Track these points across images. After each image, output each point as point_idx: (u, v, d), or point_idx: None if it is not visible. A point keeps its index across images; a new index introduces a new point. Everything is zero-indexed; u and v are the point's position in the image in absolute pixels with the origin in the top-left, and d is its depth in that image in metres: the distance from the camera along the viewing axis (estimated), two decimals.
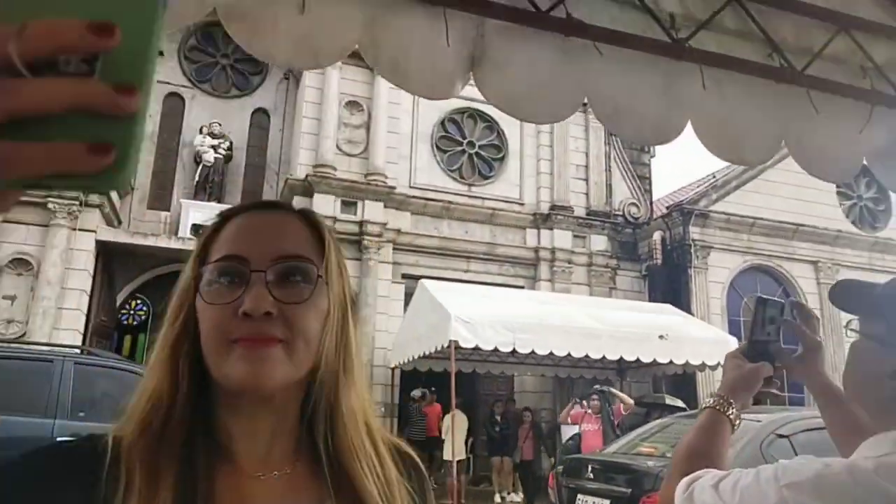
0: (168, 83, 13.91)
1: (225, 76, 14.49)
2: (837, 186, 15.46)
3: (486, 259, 13.28)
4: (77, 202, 10.56)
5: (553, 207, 13.87)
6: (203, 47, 14.42)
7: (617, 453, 5.43)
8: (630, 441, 5.64)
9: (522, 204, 13.93)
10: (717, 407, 1.09)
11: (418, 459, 0.80)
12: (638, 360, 9.86)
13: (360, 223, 12.09)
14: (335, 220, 11.95)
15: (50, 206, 10.38)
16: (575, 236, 13.91)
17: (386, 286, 12.19)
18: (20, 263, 10.37)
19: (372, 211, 12.21)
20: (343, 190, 12.12)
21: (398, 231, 12.55)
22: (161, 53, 13.70)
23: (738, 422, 1.09)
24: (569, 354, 9.47)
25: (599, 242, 14.09)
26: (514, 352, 9.32)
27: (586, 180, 14.58)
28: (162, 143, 13.67)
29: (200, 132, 13.55)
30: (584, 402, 9.00)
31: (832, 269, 14.19)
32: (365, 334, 11.60)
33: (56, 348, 7.17)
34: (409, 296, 11.57)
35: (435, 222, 13.10)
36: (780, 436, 3.97)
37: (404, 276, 12.51)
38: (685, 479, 0.99)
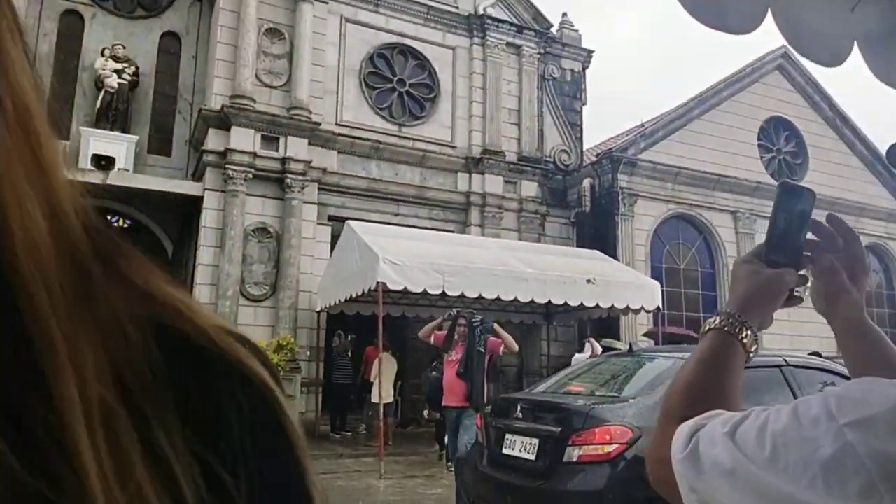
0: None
1: None
2: (759, 139, 15.93)
3: (416, 202, 12.88)
4: None
5: (485, 152, 13.55)
6: None
7: (546, 392, 5.31)
8: (559, 380, 5.54)
9: (454, 147, 13.54)
10: (727, 328, 0.77)
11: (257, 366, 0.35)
12: (566, 303, 9.86)
13: (283, 160, 11.37)
14: (255, 155, 11.18)
15: None
16: (506, 182, 13.69)
17: (311, 227, 11.61)
18: None
19: (295, 147, 11.49)
20: (263, 124, 11.31)
21: (324, 170, 11.91)
22: None
23: (754, 347, 0.77)
24: (497, 298, 9.35)
25: (530, 188, 13.95)
26: (443, 294, 9.11)
27: (518, 125, 14.31)
28: (59, 64, 12.29)
29: (102, 55, 12.26)
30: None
31: (750, 219, 14.70)
32: (289, 276, 11.07)
33: None
34: (335, 238, 11.09)
35: (363, 162, 12.52)
36: None
37: (330, 218, 11.96)
38: (684, 427, 0.65)
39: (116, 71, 12.09)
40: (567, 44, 15.42)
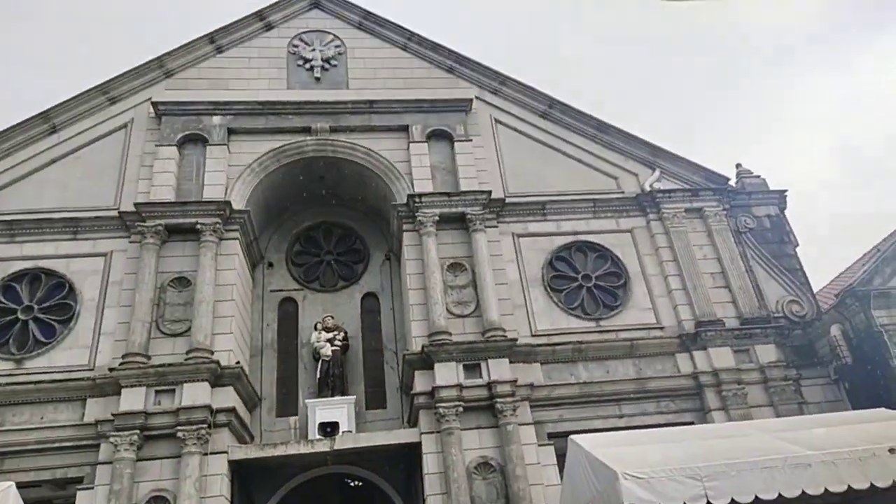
0: (281, 290, 14.33)
1: (331, 271, 14.80)
2: None
3: (638, 398, 11.55)
4: (205, 424, 10.33)
5: (699, 324, 12.18)
6: (307, 249, 14.97)
7: None
8: None
9: (662, 328, 12.36)
10: None
11: None
12: (872, 485, 7.54)
13: (488, 385, 11.00)
14: (461, 387, 10.95)
15: (179, 434, 10.20)
16: (735, 351, 11.96)
17: (532, 451, 10.69)
18: (158, 501, 10.01)
19: (498, 370, 11.14)
20: (462, 353, 11.25)
21: (531, 386, 11.29)
22: (271, 265, 14.33)
23: None
24: (779, 496, 7.40)
25: (768, 353, 12.01)
26: None
27: (727, 287, 12.90)
28: (282, 348, 13.74)
29: (315, 329, 13.54)
30: None
31: None
32: None
33: None
34: (560, 458, 9.99)
35: (569, 368, 11.74)
36: None
37: (550, 436, 11.00)
38: None
39: (329, 340, 13.15)
40: (752, 192, 14.34)
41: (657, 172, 14.22)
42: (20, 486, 8.01)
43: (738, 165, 15.11)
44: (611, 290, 12.88)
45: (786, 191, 14.37)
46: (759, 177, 14.83)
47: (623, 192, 13.98)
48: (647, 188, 13.88)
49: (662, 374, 11.83)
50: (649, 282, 12.89)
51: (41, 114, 13.36)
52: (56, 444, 10.27)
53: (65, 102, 13.55)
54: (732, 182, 14.51)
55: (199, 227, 12.09)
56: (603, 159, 14.43)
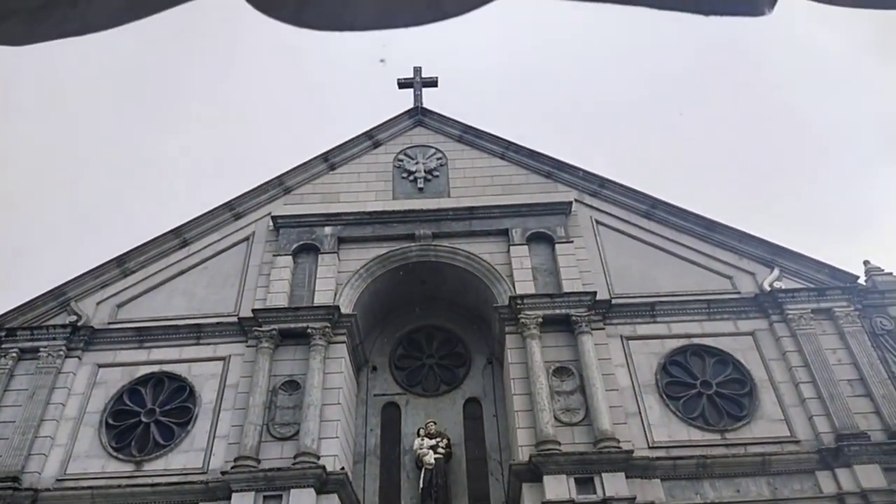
0: (384, 395, 14.33)
1: (433, 375, 14.71)
2: None
3: None
4: None
5: (840, 437, 10.90)
6: (409, 353, 15.05)
7: None
8: None
9: (798, 441, 11.15)
10: None
11: None
12: None
13: (604, 502, 10.19)
14: (573, 503, 10.21)
15: None
16: (885, 469, 10.53)
17: None
18: None
19: (613, 485, 10.34)
20: (573, 465, 10.58)
21: None
22: (375, 369, 14.48)
23: None
24: None
25: None
26: None
27: (869, 396, 11.60)
28: (384, 454, 13.53)
29: (418, 435, 13.30)
30: None
31: None
32: None
33: None
34: None
35: (694, 485, 10.71)
36: None
37: None
38: None
39: (432, 447, 12.84)
40: (886, 290, 13.16)
41: (776, 271, 13.43)
42: None
43: (865, 262, 14.03)
44: (735, 399, 11.90)
45: None
46: (891, 274, 13.66)
47: (740, 293, 13.24)
48: (767, 287, 13.08)
49: (802, 494, 10.55)
50: (778, 390, 11.82)
51: (174, 230, 14.71)
52: None
53: (195, 219, 14.90)
54: (861, 280, 13.42)
55: (309, 330, 12.51)
56: (715, 259, 13.85)
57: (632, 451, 10.74)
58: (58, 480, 11.15)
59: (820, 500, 10.48)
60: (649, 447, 11.17)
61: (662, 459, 10.90)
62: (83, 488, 10.92)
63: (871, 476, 10.49)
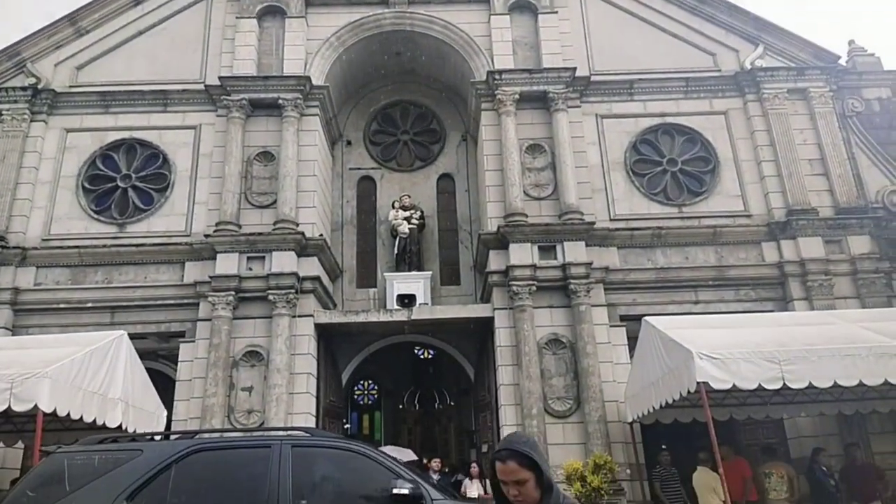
0: (360, 168, 14.54)
1: (408, 151, 14.83)
2: None
3: (717, 286, 11.36)
4: (293, 290, 10.97)
5: (791, 213, 11.61)
6: (384, 128, 14.96)
7: None
8: None
9: (750, 216, 11.86)
10: None
11: None
12: None
13: (563, 266, 11.06)
14: (535, 267, 11.06)
15: (270, 297, 10.90)
16: (827, 242, 11.42)
17: (604, 331, 10.86)
18: (252, 356, 10.92)
19: (573, 252, 11.14)
20: (538, 235, 11.27)
21: (606, 269, 11.28)
22: (349, 143, 14.48)
23: None
24: (860, 383, 7.29)
25: (861, 244, 11.40)
26: (780, 389, 7.44)
27: (825, 175, 12.10)
28: (361, 224, 14.16)
29: (393, 207, 13.81)
30: None
31: None
32: (591, 387, 10.30)
33: (273, 433, 7.03)
34: (631, 340, 10.14)
35: (647, 253, 11.59)
36: None
37: (623, 318, 11.09)
38: None
39: (406, 218, 13.43)
40: (864, 72, 13.02)
41: (760, 48, 13.06)
42: (130, 336, 8.89)
43: (850, 42, 13.65)
44: (697, 176, 12.35)
45: None
46: (873, 55, 13.40)
47: (720, 71, 13.00)
48: (748, 66, 12.83)
49: (745, 262, 11.52)
50: (740, 167, 12.24)
51: None
52: (159, 302, 11.24)
53: None
54: (843, 60, 13.18)
55: (280, 101, 12.22)
56: (701, 33, 13.32)
57: (593, 223, 11.38)
58: (43, 240, 11.60)
59: (760, 266, 11.48)
60: (610, 220, 11.82)
61: (621, 230, 11.61)
62: (70, 247, 11.42)
63: (812, 247, 11.36)
